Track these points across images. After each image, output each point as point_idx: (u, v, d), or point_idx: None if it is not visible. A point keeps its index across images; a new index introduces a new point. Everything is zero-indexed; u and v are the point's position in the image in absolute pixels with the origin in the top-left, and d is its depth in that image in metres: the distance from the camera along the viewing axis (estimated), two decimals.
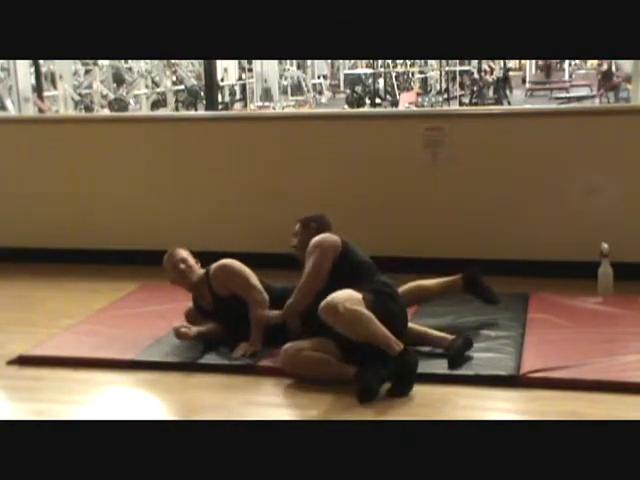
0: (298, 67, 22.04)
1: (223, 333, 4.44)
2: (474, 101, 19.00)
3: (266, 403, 3.89)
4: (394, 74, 21.03)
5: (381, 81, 20.68)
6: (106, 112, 15.54)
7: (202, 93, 16.80)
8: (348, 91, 20.85)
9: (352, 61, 24.36)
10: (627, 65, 14.76)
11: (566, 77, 23.26)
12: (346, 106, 18.77)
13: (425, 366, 4.05)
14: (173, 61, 18.54)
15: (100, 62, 17.61)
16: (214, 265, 4.49)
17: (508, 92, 19.87)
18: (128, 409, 3.85)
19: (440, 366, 4.08)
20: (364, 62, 22.06)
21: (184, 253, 4.54)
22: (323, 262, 4.16)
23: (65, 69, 15.82)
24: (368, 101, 19.37)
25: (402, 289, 4.54)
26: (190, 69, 20.01)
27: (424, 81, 22.14)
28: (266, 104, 17.79)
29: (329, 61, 24.71)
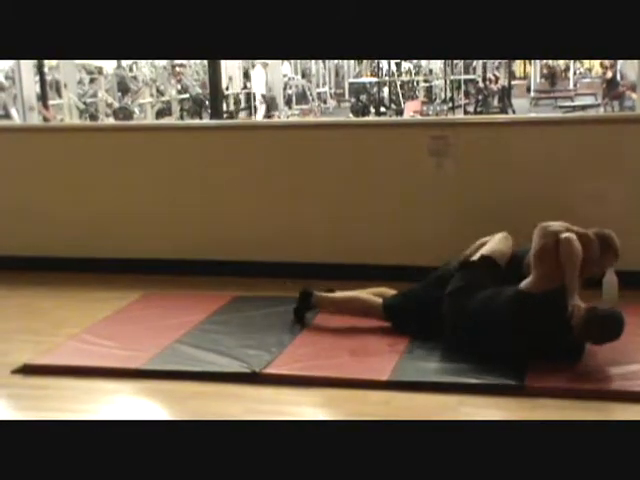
0: (303, 76, 22.09)
1: None
2: (479, 110, 19.04)
3: (269, 412, 3.88)
4: (399, 83, 21.05)
5: (386, 90, 20.69)
6: (111, 121, 15.57)
7: (207, 102, 16.84)
8: (353, 100, 20.88)
9: (357, 70, 24.40)
10: (632, 74, 14.78)
11: (571, 86, 23.28)
12: (351, 115, 18.79)
13: (429, 374, 4.06)
14: (178, 69, 18.59)
15: (105, 70, 17.66)
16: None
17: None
18: (132, 418, 3.84)
19: (443, 374, 4.10)
20: (369, 71, 22.09)
21: None
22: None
23: (70, 78, 15.85)
24: (373, 110, 19.38)
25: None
26: (195, 77, 20.08)
27: (429, 90, 22.17)
28: (271, 113, 17.83)
29: (333, 69, 24.73)
